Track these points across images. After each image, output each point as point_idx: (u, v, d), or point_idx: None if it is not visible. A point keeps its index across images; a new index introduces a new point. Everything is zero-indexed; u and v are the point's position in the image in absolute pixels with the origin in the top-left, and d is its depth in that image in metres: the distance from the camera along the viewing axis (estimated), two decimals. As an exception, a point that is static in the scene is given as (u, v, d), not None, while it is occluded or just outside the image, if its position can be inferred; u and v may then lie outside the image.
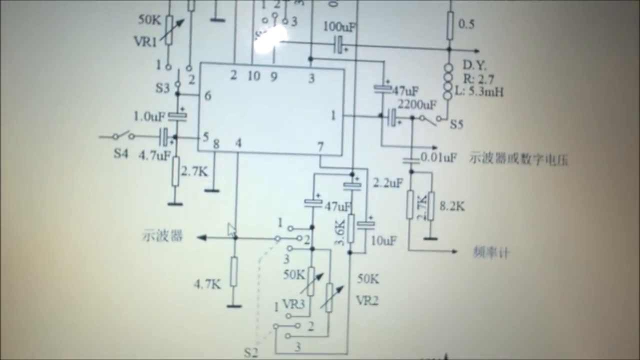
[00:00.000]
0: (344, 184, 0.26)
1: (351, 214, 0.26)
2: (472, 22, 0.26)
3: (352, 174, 0.26)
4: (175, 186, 0.25)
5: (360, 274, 0.26)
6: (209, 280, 0.25)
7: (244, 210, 0.25)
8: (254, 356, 0.26)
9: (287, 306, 0.26)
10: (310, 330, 0.26)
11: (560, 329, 0.26)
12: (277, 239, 0.26)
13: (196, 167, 0.25)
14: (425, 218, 0.26)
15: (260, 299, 0.26)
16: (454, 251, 0.26)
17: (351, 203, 0.26)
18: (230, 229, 0.25)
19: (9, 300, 0.24)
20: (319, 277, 0.26)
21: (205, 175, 0.25)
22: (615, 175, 0.26)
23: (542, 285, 0.26)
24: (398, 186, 0.26)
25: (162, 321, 0.25)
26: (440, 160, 0.26)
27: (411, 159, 0.26)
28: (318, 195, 0.26)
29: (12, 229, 0.24)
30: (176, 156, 0.25)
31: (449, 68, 0.26)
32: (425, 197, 0.26)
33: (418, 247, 0.26)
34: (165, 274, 0.25)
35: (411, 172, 0.26)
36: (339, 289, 0.26)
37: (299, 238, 0.26)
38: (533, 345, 0.26)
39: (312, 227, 0.26)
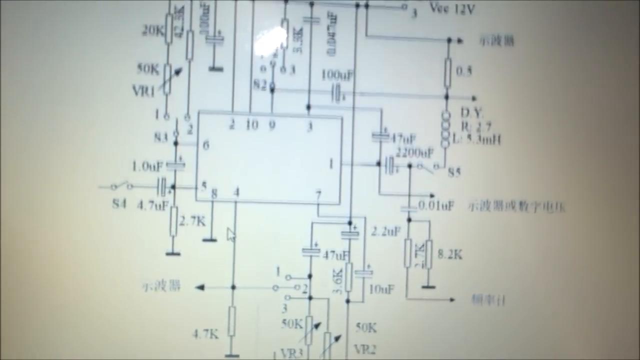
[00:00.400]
0: (342, 233, 0.26)
1: (349, 262, 0.26)
2: (469, 69, 0.26)
3: (349, 223, 0.26)
4: (173, 236, 0.25)
5: (358, 323, 0.26)
6: (207, 330, 0.25)
7: (241, 259, 0.25)
8: (253, 406, 0.25)
9: (285, 355, 0.26)
10: (309, 372, 0.26)
11: (560, 327, 0.26)
12: (275, 288, 0.25)
13: (194, 217, 0.25)
14: (423, 266, 0.26)
15: (258, 348, 0.26)
16: (451, 299, 0.26)
17: (349, 252, 0.26)
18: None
19: (9, 301, 0.24)
20: (316, 326, 0.26)
21: (203, 224, 0.25)
22: (614, 223, 0.26)
23: (541, 329, 0.26)
24: (396, 234, 0.26)
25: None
26: (438, 208, 0.26)
27: (409, 207, 0.26)
28: (316, 244, 0.26)
29: (16, 274, 0.24)
30: (174, 206, 0.25)
31: (446, 116, 0.26)
32: (423, 245, 0.26)
33: (416, 296, 0.26)
34: (163, 324, 0.25)
35: (409, 220, 0.26)
36: (337, 338, 0.26)
37: (297, 287, 0.26)
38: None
39: (310, 276, 0.26)
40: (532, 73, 0.26)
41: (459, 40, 0.26)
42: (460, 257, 0.26)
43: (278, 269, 0.25)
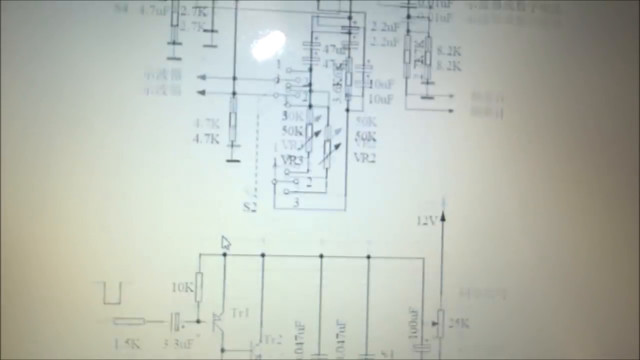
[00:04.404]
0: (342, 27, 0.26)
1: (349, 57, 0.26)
2: None
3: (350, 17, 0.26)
4: (174, 41, 0.25)
5: (358, 132, 0.26)
6: (207, 134, 0.26)
7: (243, 60, 0.26)
8: (253, 210, 0.26)
9: (285, 162, 0.26)
10: (309, 186, 0.26)
11: (557, 334, 0.26)
12: (277, 79, 0.26)
13: (195, 22, 0.25)
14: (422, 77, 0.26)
15: (258, 154, 0.26)
16: (450, 110, 0.26)
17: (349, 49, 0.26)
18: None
19: (9, 301, 0.25)
20: (316, 134, 0.26)
21: (204, 31, 0.25)
22: (609, 130, 0.27)
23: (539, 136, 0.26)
24: (395, 30, 0.26)
25: (160, 175, 0.25)
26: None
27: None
28: (316, 38, 0.26)
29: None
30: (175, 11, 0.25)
31: None
32: (422, 41, 0.26)
33: (415, 106, 0.26)
34: (164, 128, 0.25)
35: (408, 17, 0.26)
36: (336, 146, 0.26)
37: (297, 80, 0.26)
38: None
39: (310, 70, 0.26)
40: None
41: None
42: (459, 69, 0.26)
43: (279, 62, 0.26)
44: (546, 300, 0.26)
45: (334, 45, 0.26)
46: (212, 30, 0.25)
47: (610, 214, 0.26)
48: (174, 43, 0.25)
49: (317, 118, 0.26)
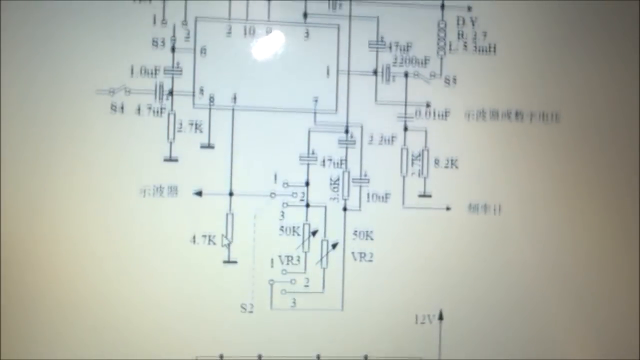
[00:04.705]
0: (339, 141, 0.26)
1: (346, 170, 0.26)
2: (465, -20, 0.26)
3: (346, 131, 0.26)
4: (171, 142, 0.25)
5: (355, 231, 0.26)
6: (204, 236, 0.25)
7: (239, 166, 0.25)
8: (250, 311, 0.26)
9: (282, 262, 0.26)
10: (306, 286, 0.26)
11: (557, 334, 0.26)
12: (273, 195, 0.26)
13: (192, 123, 0.25)
14: (419, 175, 0.26)
15: (255, 255, 0.26)
16: (448, 208, 0.26)
17: (346, 160, 0.26)
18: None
19: (9, 301, 0.24)
20: (314, 233, 0.26)
21: (201, 131, 0.25)
22: (608, 132, 0.27)
23: (536, 239, 0.26)
24: (392, 143, 0.26)
25: (157, 277, 0.25)
26: (434, 118, 0.26)
27: (405, 115, 0.26)
28: (313, 152, 0.26)
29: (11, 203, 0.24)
30: (172, 112, 0.25)
31: (442, 25, 0.26)
32: (419, 154, 0.26)
33: (412, 204, 0.26)
34: (161, 229, 0.25)
35: (405, 129, 0.26)
36: (334, 246, 0.26)
37: (294, 194, 0.26)
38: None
39: (307, 184, 0.26)
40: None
41: (455, -49, 0.26)
42: (456, 167, 0.26)
43: (275, 175, 0.26)
44: (546, 300, 0.26)
45: (330, 159, 0.26)
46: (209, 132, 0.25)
47: (610, 214, 0.26)
48: (170, 143, 0.25)
49: (314, 218, 0.26)
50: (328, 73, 0.26)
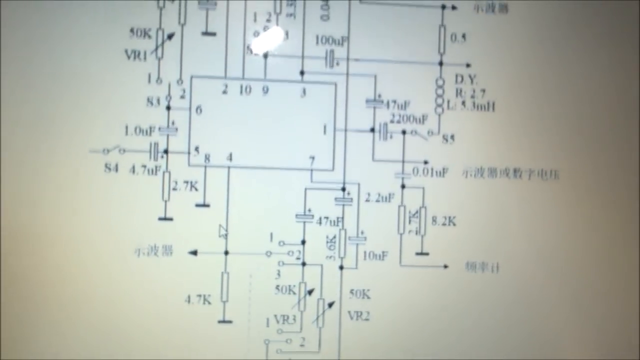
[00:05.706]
0: (336, 199, 0.26)
1: (342, 229, 0.26)
2: (463, 36, 0.26)
3: (343, 189, 0.26)
4: (165, 201, 0.25)
5: (352, 289, 0.26)
6: (199, 295, 0.25)
7: (235, 225, 0.25)
8: (245, 372, 0.25)
9: (278, 322, 0.26)
10: (302, 345, 0.26)
11: (557, 334, 0.26)
12: (268, 254, 0.25)
13: (187, 182, 0.25)
14: (416, 233, 0.26)
15: (251, 314, 0.25)
16: (445, 266, 0.26)
17: (342, 218, 0.26)
18: (222, 230, 0.25)
19: (9, 301, 0.24)
20: (310, 292, 0.26)
21: (196, 190, 0.25)
22: (608, 190, 0.26)
23: (534, 298, 0.26)
24: (390, 201, 0.26)
25: (152, 337, 0.25)
26: (431, 175, 0.26)
27: (403, 173, 0.26)
28: (309, 211, 0.25)
29: (10, 236, 0.24)
30: (167, 171, 0.25)
31: (440, 82, 0.26)
32: (416, 212, 0.26)
33: (410, 263, 0.26)
34: (156, 289, 0.25)
35: (403, 187, 0.26)
36: (330, 305, 0.26)
37: (290, 253, 0.25)
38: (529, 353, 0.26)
39: (303, 242, 0.26)
40: (526, 41, 0.26)
41: (453, 7, 0.26)
42: (454, 224, 0.26)
43: (271, 234, 0.25)
44: (546, 300, 0.26)
45: (327, 217, 0.26)
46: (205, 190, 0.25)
47: (610, 214, 0.26)
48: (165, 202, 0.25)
49: (311, 276, 0.26)
50: (325, 131, 0.26)
